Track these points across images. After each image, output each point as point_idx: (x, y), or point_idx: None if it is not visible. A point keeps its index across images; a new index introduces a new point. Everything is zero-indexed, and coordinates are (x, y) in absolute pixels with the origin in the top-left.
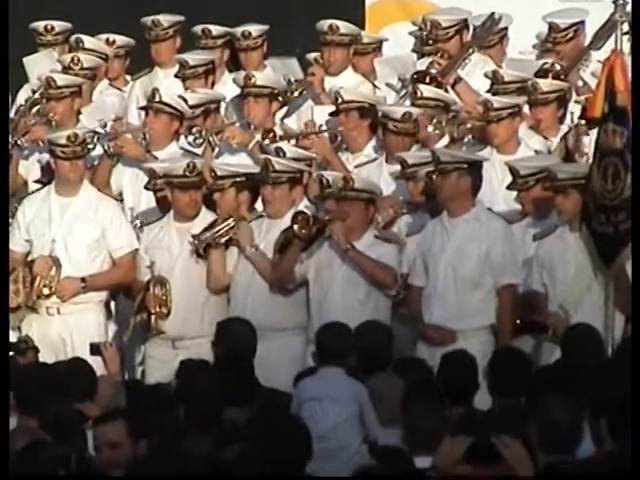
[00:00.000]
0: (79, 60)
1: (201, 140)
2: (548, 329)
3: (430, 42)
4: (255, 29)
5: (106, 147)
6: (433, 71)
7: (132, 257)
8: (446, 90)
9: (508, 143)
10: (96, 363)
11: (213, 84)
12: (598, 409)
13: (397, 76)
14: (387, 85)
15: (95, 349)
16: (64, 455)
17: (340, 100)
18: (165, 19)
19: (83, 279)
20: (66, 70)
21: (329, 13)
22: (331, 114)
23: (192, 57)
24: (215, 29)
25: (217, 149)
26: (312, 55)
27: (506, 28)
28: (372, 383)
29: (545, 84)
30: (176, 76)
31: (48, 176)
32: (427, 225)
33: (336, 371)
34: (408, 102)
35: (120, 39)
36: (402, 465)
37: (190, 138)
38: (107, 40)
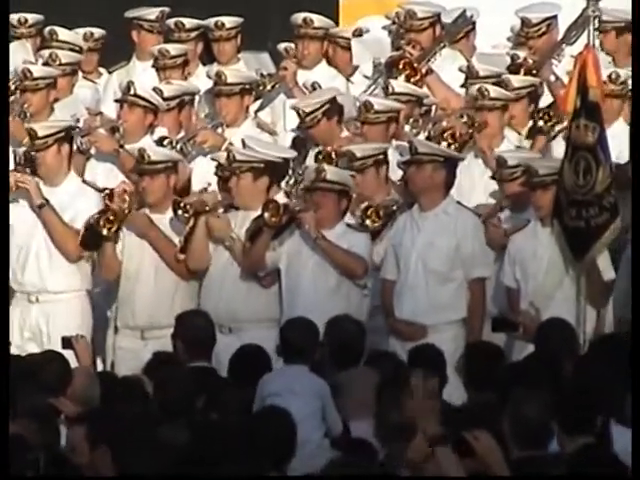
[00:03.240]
0: (57, 56)
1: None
2: (519, 327)
3: (403, 32)
4: (229, 20)
5: (79, 143)
6: (408, 55)
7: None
8: (421, 78)
9: (497, 136)
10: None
11: (186, 77)
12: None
13: (372, 59)
14: (364, 77)
15: (67, 342)
16: (32, 458)
17: (303, 114)
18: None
19: (47, 200)
20: (46, 65)
21: (303, 6)
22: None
23: (173, 47)
24: (188, 22)
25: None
26: (282, 45)
27: (474, 22)
28: (347, 375)
29: (516, 80)
30: (154, 66)
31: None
32: (398, 218)
33: (299, 367)
34: (379, 89)
35: (98, 32)
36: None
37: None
38: (85, 34)
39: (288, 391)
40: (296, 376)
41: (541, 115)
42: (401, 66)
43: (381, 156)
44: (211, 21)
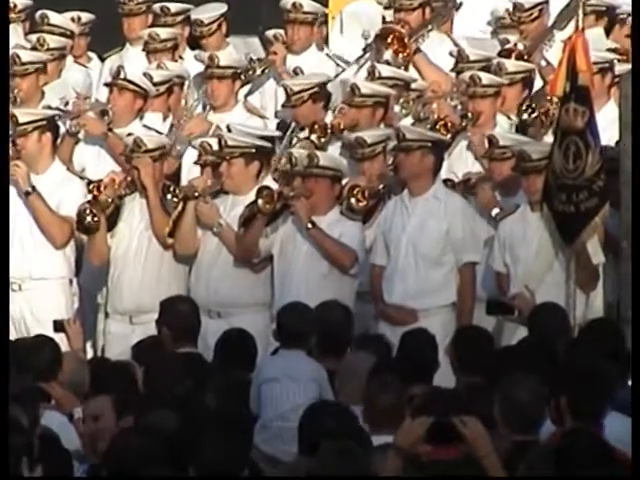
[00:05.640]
0: (45, 41)
1: None
2: (514, 310)
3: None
4: (206, 17)
5: (68, 126)
6: (399, 28)
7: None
8: (409, 54)
9: (489, 123)
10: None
11: (176, 61)
12: (559, 387)
13: (362, 31)
14: (336, 56)
15: (59, 326)
16: (25, 442)
17: (291, 92)
18: None
19: (33, 187)
20: (33, 50)
21: None
22: (283, 105)
23: (163, 30)
24: (174, 6)
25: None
26: (271, 32)
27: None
28: (347, 359)
29: (511, 64)
30: (144, 49)
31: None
32: (388, 204)
33: (296, 352)
34: (368, 64)
35: (85, 16)
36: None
37: (151, 132)
38: (72, 18)
39: (286, 376)
40: (293, 361)
41: (524, 108)
42: (390, 40)
43: (388, 141)
44: (192, 17)
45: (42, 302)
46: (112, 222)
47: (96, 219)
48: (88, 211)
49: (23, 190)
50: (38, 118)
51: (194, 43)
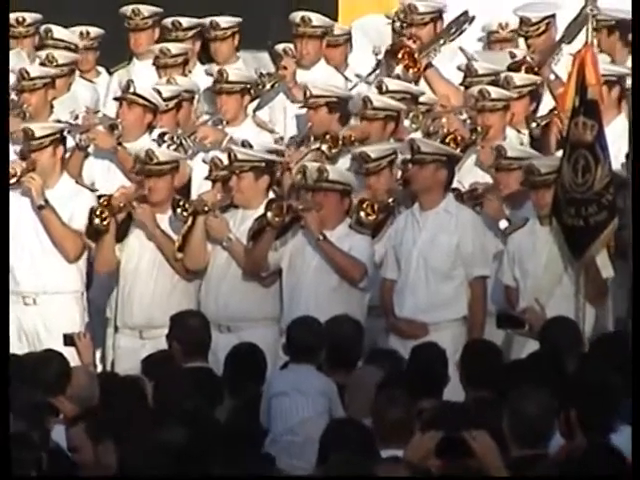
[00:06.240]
0: (54, 57)
1: (174, 146)
2: (524, 324)
3: (405, 26)
4: (224, 20)
5: (77, 140)
6: (410, 44)
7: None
8: (419, 70)
9: (498, 137)
10: (70, 355)
11: (186, 76)
12: (569, 400)
13: (372, 47)
14: (357, 76)
15: (69, 340)
16: (35, 456)
17: (309, 94)
18: (145, 9)
19: (47, 201)
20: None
21: (302, 5)
22: (301, 107)
23: (174, 45)
24: (185, 21)
25: (191, 151)
26: (281, 46)
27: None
28: (357, 373)
29: (519, 78)
30: (154, 64)
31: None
32: (398, 218)
33: (306, 366)
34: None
35: (94, 31)
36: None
37: (164, 146)
38: (81, 33)
39: (295, 390)
40: (303, 375)
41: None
42: (400, 55)
43: (394, 156)
44: (206, 21)
45: (56, 316)
46: (122, 234)
47: (105, 222)
48: (98, 212)
49: (37, 204)
50: (54, 131)
51: (205, 58)
